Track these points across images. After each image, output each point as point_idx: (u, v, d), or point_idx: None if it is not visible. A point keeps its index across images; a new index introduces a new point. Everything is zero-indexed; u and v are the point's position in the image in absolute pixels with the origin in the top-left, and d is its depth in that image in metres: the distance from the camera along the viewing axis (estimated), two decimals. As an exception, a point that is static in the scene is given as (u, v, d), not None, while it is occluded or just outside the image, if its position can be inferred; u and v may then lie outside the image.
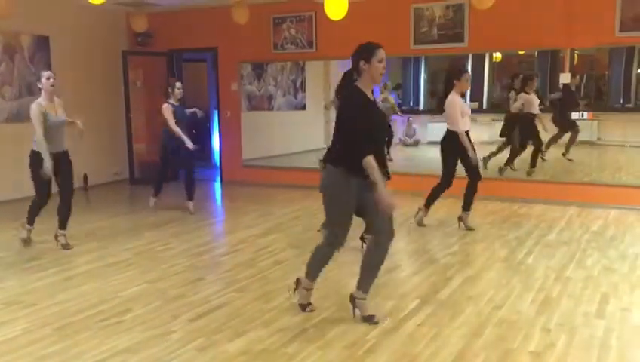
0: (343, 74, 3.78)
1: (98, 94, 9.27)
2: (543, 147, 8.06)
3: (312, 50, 8.84)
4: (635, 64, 8.13)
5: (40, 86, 5.42)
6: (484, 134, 8.41)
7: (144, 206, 7.62)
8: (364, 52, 3.58)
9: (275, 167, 9.57)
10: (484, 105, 9.25)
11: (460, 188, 6.15)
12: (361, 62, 3.58)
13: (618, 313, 3.94)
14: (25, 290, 4.54)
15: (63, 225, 5.67)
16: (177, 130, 6.91)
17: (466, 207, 6.20)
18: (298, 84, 10.23)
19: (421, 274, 4.82)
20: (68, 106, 5.69)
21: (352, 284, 3.90)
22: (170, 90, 7.08)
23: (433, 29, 7.99)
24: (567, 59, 7.48)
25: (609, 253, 5.35)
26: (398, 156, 9.76)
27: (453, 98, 5.94)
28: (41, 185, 5.47)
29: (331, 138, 3.76)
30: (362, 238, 5.20)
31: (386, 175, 3.59)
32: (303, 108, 10.45)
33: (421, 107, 10.52)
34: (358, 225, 4.00)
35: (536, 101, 7.92)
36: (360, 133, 3.49)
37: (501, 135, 8.29)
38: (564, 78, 7.54)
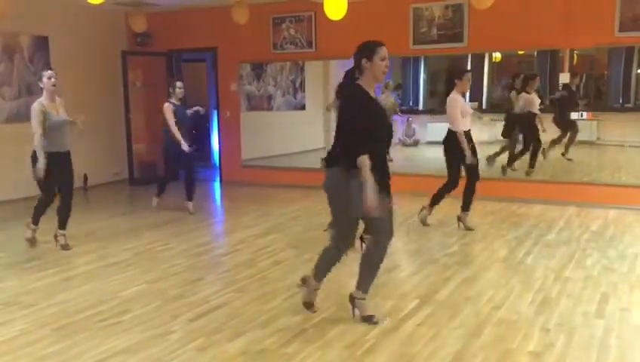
0: (344, 73, 3.77)
1: (98, 94, 9.27)
2: (546, 147, 8.07)
3: (311, 50, 8.84)
4: (635, 64, 8.12)
5: (41, 85, 5.42)
6: (484, 134, 8.40)
7: (144, 206, 7.63)
8: (367, 50, 3.57)
9: (274, 167, 9.57)
10: (484, 106, 9.23)
11: (459, 189, 6.15)
12: (364, 60, 3.56)
13: (617, 313, 3.94)
14: (24, 290, 4.54)
15: (62, 225, 5.67)
16: (175, 129, 6.91)
17: (465, 207, 6.21)
18: (297, 84, 10.22)
19: (420, 274, 4.82)
20: (67, 107, 5.68)
21: (351, 284, 3.90)
22: (171, 90, 7.08)
23: (432, 29, 8.00)
24: (566, 59, 7.48)
25: (608, 252, 5.36)
26: (398, 156, 9.74)
27: (455, 97, 5.95)
28: (47, 183, 5.45)
29: (332, 138, 3.75)
30: (362, 238, 5.19)
31: (387, 176, 3.59)
32: (303, 108, 10.44)
33: (420, 107, 10.51)
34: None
35: (537, 101, 7.93)
36: (361, 132, 3.47)
37: (503, 135, 8.30)
38: (564, 77, 7.54)
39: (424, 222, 6.34)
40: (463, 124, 5.92)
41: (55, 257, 5.42)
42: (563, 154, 8.25)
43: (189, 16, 9.42)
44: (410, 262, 5.25)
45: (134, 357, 3.37)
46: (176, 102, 7.05)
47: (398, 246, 5.61)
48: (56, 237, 5.69)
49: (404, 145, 10.39)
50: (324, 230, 5.67)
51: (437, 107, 8.97)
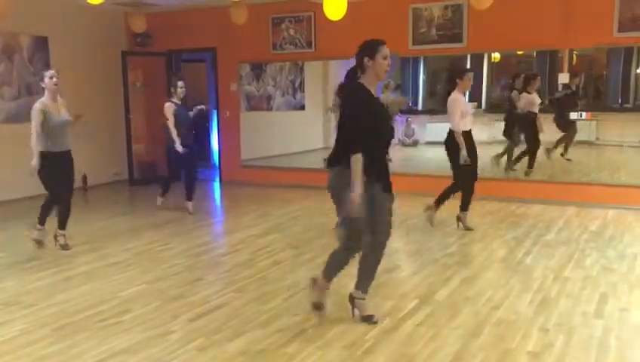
0: (346, 72, 3.77)
1: (97, 95, 9.27)
2: (550, 148, 8.10)
3: (310, 50, 8.84)
4: (634, 64, 8.13)
5: (43, 85, 5.42)
6: (483, 134, 8.41)
7: (144, 206, 7.63)
8: (369, 48, 3.57)
9: (274, 167, 9.58)
10: (483, 106, 9.24)
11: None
12: (366, 59, 3.56)
13: (617, 313, 3.95)
14: (24, 290, 4.54)
15: (62, 225, 5.67)
16: (173, 129, 6.89)
17: (464, 207, 6.21)
18: (297, 85, 10.23)
19: (420, 274, 4.83)
20: (68, 107, 5.68)
21: (351, 284, 3.90)
22: (172, 90, 7.05)
23: (432, 29, 8.01)
24: (565, 60, 7.49)
25: (608, 252, 5.36)
26: (397, 156, 9.75)
27: (456, 96, 5.94)
28: (53, 184, 5.45)
29: (332, 138, 3.75)
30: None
31: (387, 176, 3.59)
32: (302, 108, 10.44)
33: (420, 107, 10.51)
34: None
35: (538, 100, 7.94)
36: (363, 131, 3.47)
37: (504, 135, 8.31)
38: (564, 78, 7.54)
39: (431, 222, 6.32)
40: (463, 124, 5.92)
41: (55, 257, 5.43)
42: (562, 155, 8.26)
43: (188, 17, 9.42)
44: (409, 262, 5.26)
45: (134, 357, 3.37)
46: (177, 101, 7.04)
47: (398, 246, 5.61)
48: (55, 237, 5.69)
49: (404, 145, 10.39)
50: (333, 228, 5.67)
51: (436, 107, 8.97)
